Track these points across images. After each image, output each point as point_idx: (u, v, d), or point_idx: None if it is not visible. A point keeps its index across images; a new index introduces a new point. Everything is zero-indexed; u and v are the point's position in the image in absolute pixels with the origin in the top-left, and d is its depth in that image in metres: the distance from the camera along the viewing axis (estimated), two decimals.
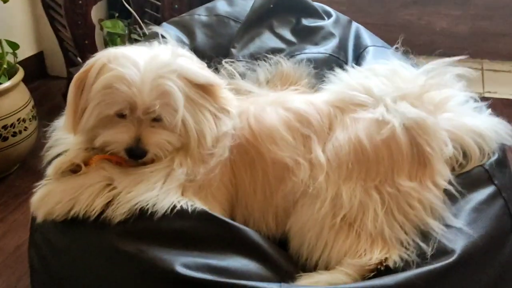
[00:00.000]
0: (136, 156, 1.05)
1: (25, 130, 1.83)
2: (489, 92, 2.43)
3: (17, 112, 1.80)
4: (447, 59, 1.18)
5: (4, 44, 1.84)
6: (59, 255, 1.05)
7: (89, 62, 1.08)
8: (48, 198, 1.03)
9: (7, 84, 1.77)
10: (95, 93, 1.04)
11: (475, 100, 1.24)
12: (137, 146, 1.03)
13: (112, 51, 1.08)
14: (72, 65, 2.32)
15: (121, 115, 1.05)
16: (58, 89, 2.49)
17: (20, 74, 1.85)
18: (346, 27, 1.51)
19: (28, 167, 1.95)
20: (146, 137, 1.04)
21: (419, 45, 2.73)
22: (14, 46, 1.87)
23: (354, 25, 1.55)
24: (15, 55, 1.88)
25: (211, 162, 1.06)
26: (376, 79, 1.15)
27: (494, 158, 1.16)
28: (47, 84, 2.59)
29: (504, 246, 1.07)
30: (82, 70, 1.08)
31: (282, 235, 1.09)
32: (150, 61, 1.04)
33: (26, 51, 2.43)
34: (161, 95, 1.03)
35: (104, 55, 1.07)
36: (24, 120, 1.82)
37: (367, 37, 1.50)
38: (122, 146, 1.04)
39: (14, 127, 1.79)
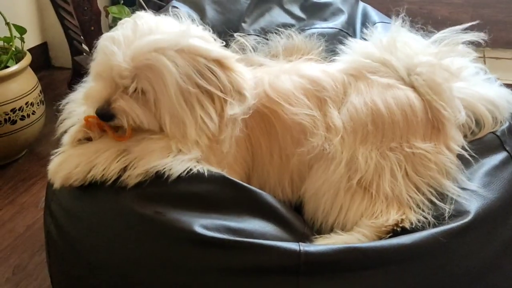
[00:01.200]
0: (104, 116, 1.03)
1: (33, 114, 1.83)
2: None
3: (25, 96, 1.80)
4: (456, 27, 1.19)
5: (12, 28, 1.85)
6: (76, 221, 1.05)
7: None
8: (66, 163, 1.03)
9: (15, 67, 1.78)
10: (96, 52, 1.06)
11: (486, 72, 1.26)
12: (103, 107, 1.02)
13: (141, 14, 1.09)
14: (77, 53, 2.33)
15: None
16: (62, 79, 2.50)
17: (28, 59, 1.85)
18: (354, 5, 1.53)
19: (35, 152, 1.96)
20: (117, 101, 1.02)
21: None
22: (21, 30, 1.87)
23: (361, 4, 1.57)
24: (22, 39, 1.88)
25: (223, 146, 1.06)
26: (388, 49, 1.16)
27: (505, 125, 1.18)
28: (52, 75, 2.59)
29: None
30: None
31: (298, 200, 1.10)
32: (155, 30, 1.03)
33: (30, 41, 2.44)
34: (146, 67, 1.00)
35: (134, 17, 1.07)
36: (32, 104, 1.83)
37: (374, 14, 1.52)
38: (93, 104, 1.04)
39: (22, 111, 1.79)
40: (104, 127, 1.07)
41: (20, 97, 1.79)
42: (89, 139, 1.08)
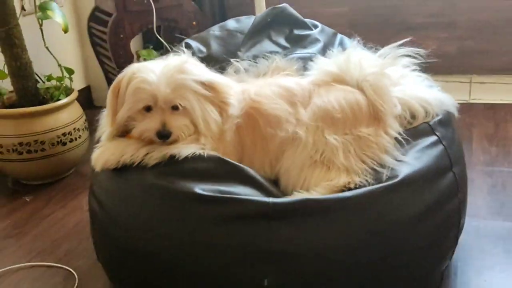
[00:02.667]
0: (163, 136, 1.36)
1: (79, 137, 2.25)
2: (474, 99, 2.77)
3: (73, 123, 2.22)
4: (395, 43, 1.56)
5: (63, 69, 2.30)
6: (112, 196, 1.43)
7: (120, 75, 1.42)
8: (104, 152, 1.42)
9: (65, 100, 2.21)
10: (128, 95, 1.37)
11: (427, 80, 1.61)
12: (164, 129, 1.36)
13: (135, 65, 1.43)
14: None
15: (148, 108, 1.37)
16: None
17: (75, 94, 2.28)
18: (331, 36, 1.90)
19: (80, 171, 2.36)
20: (169, 122, 1.36)
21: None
22: (70, 71, 2.32)
23: (339, 35, 1.95)
24: (70, 79, 2.33)
25: (223, 138, 1.42)
26: (343, 64, 1.53)
27: (437, 118, 1.52)
28: (94, 112, 3.02)
29: (443, 178, 1.39)
30: (116, 81, 1.43)
31: (276, 177, 1.45)
32: (164, 67, 1.39)
33: (76, 85, 2.90)
34: (174, 88, 1.36)
35: (131, 69, 1.40)
36: (78, 130, 2.25)
37: (349, 42, 1.88)
38: (153, 131, 1.36)
39: (70, 135, 2.21)
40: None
41: (69, 124, 2.21)
42: (120, 137, 1.47)
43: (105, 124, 1.49)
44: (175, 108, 1.38)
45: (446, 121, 1.53)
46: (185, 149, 1.37)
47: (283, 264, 1.23)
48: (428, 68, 3.21)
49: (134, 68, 1.41)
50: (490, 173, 2.06)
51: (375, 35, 3.15)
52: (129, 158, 1.39)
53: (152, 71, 1.38)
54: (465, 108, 2.66)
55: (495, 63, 3.04)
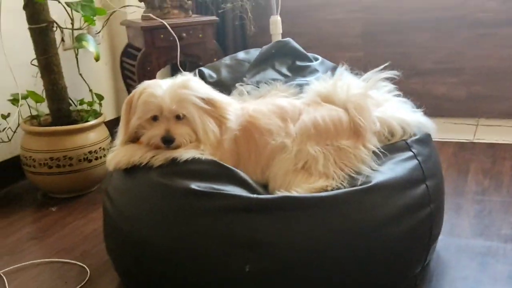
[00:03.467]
0: (167, 141, 1.56)
1: (104, 156, 2.47)
2: (478, 139, 2.90)
3: (99, 143, 2.46)
4: (376, 69, 1.75)
5: (93, 95, 2.56)
6: (122, 194, 1.63)
7: (133, 91, 1.66)
8: (117, 154, 1.64)
9: (93, 122, 2.46)
10: (139, 107, 1.60)
11: (408, 103, 1.79)
12: (168, 135, 1.57)
13: (146, 82, 1.67)
14: None
15: (155, 118, 1.60)
16: None
17: (103, 117, 2.53)
18: (331, 68, 2.10)
19: (104, 188, 2.58)
20: (173, 129, 1.57)
21: (425, 108, 3.31)
22: (99, 97, 2.59)
23: (340, 69, 2.14)
24: (100, 104, 2.59)
25: (221, 146, 1.64)
26: (331, 87, 1.73)
27: (415, 137, 1.68)
28: None
29: (415, 188, 1.54)
30: (130, 95, 1.67)
31: (266, 182, 1.64)
32: (170, 83, 1.62)
33: (108, 115, 3.17)
34: (178, 101, 1.57)
35: (142, 85, 1.64)
36: (104, 149, 2.48)
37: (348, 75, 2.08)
38: (158, 137, 1.57)
39: (96, 153, 2.45)
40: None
41: (96, 143, 2.45)
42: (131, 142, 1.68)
43: (119, 131, 1.71)
44: (178, 118, 1.60)
45: (424, 140, 1.70)
46: (185, 153, 1.57)
47: (263, 252, 1.40)
48: (437, 110, 3.38)
49: (145, 84, 1.65)
50: (479, 201, 2.18)
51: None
52: (138, 159, 1.60)
53: (159, 87, 1.62)
54: (468, 146, 2.81)
55: (501, 107, 3.18)
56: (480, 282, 1.63)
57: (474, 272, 1.68)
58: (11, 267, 1.88)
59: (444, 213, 1.79)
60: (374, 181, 1.49)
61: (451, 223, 2.00)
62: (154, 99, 1.59)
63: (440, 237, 1.86)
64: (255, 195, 1.45)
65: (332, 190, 1.50)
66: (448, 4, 3.19)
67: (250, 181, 1.55)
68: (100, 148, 2.47)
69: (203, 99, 1.62)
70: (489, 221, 2.01)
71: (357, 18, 3.44)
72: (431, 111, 3.43)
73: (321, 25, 3.53)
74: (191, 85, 1.63)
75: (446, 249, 1.82)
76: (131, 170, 1.62)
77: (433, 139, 1.78)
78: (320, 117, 1.63)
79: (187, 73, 1.75)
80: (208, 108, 1.63)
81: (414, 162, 1.60)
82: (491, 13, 3.12)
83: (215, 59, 2.76)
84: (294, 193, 1.48)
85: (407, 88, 3.25)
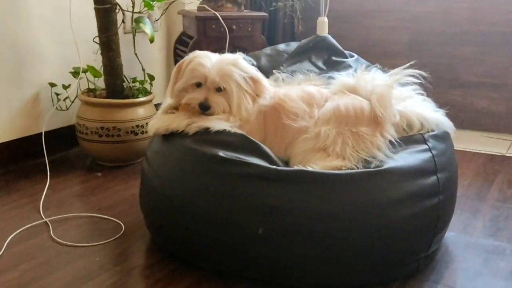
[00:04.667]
0: (204, 107, 1.77)
1: None
2: (510, 153, 2.95)
3: (146, 119, 2.67)
4: (403, 66, 1.87)
5: (145, 75, 2.78)
6: (158, 156, 1.82)
7: (184, 58, 1.87)
8: (158, 121, 1.83)
9: (143, 98, 2.68)
10: (187, 72, 1.80)
11: (430, 101, 1.89)
12: (205, 101, 1.78)
13: (197, 52, 1.87)
14: None
15: (198, 85, 1.80)
16: None
17: (152, 96, 2.75)
18: (365, 66, 2.23)
19: None
20: (211, 98, 1.77)
21: (463, 120, 3.37)
22: (151, 77, 2.80)
23: (374, 68, 2.27)
24: (151, 84, 2.81)
25: (250, 121, 1.80)
26: (357, 80, 1.86)
27: (432, 133, 1.79)
28: None
29: (426, 178, 1.64)
30: (181, 60, 1.87)
31: (288, 159, 1.78)
32: (220, 58, 1.82)
33: (160, 99, 3.40)
34: (222, 75, 1.77)
35: (193, 54, 1.85)
36: None
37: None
38: (197, 101, 1.78)
39: (143, 128, 2.65)
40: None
41: (143, 118, 2.66)
42: (171, 112, 1.87)
43: (166, 94, 1.90)
44: (219, 89, 1.78)
45: (441, 136, 1.80)
46: (218, 124, 1.74)
47: (275, 217, 1.55)
48: (475, 124, 3.43)
49: (196, 53, 1.85)
50: (498, 207, 2.25)
51: (429, 88, 3.46)
52: (175, 126, 1.78)
53: (208, 58, 1.81)
54: (499, 158, 2.86)
55: None
56: (479, 274, 1.72)
57: (476, 266, 1.77)
58: (57, 217, 2.10)
59: (457, 211, 1.88)
60: (386, 166, 1.62)
61: (465, 223, 2.09)
62: (201, 68, 1.78)
63: (451, 234, 1.97)
64: (274, 167, 1.60)
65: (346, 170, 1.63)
66: (495, 19, 3.24)
67: (272, 155, 1.70)
68: (146, 123, 2.66)
69: (245, 78, 1.79)
70: (503, 225, 2.08)
71: (405, 27, 3.54)
72: (470, 124, 3.49)
73: (369, 31, 3.64)
74: (239, 63, 1.82)
75: (455, 244, 1.92)
76: (169, 136, 1.80)
77: (456, 147, 1.87)
78: (343, 104, 1.76)
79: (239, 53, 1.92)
80: (248, 86, 1.80)
81: (427, 154, 1.71)
82: None
83: None
84: (309, 168, 1.62)
85: (448, 99, 3.40)
